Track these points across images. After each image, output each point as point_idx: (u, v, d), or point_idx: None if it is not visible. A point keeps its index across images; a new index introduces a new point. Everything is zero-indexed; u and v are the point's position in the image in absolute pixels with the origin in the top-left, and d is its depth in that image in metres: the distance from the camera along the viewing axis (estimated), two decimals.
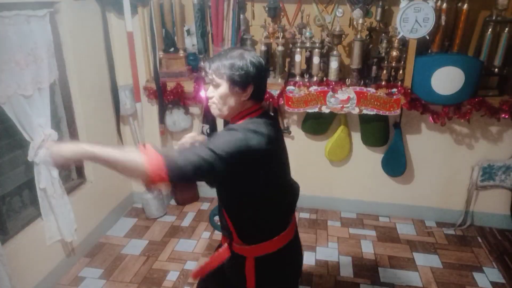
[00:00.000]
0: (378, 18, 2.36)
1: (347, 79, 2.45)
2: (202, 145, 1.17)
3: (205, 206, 3.07)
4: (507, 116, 2.29)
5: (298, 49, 2.42)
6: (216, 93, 1.30)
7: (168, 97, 2.68)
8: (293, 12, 2.54)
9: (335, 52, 2.38)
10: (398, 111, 2.42)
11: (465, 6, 2.19)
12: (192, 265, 2.40)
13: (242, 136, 1.18)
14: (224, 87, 1.27)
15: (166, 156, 1.10)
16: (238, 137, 1.17)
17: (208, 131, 2.85)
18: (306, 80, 2.48)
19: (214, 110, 1.35)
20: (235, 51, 1.28)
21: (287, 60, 2.59)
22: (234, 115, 1.33)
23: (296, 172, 1.55)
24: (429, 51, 2.33)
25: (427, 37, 2.20)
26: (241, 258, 1.37)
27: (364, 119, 2.58)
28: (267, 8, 2.43)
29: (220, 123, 2.87)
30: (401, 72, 2.35)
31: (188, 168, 1.09)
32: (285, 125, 2.78)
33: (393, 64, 2.33)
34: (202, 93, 2.62)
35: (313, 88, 2.44)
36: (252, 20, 2.61)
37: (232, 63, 1.26)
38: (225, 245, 1.43)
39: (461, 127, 2.57)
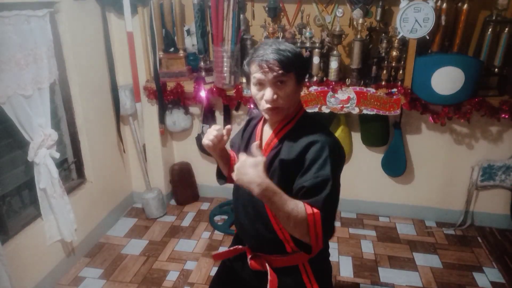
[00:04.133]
0: (378, 18, 2.36)
1: (347, 79, 2.45)
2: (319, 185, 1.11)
3: (205, 206, 3.07)
4: (507, 116, 2.29)
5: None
6: (283, 92, 1.14)
7: (168, 97, 2.68)
8: (293, 12, 2.54)
9: (335, 52, 2.38)
10: (398, 111, 2.42)
11: (465, 6, 2.19)
12: (192, 265, 2.40)
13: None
14: (291, 83, 1.14)
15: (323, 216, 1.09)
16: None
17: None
18: (306, 80, 2.48)
19: (278, 115, 1.18)
20: (277, 42, 1.16)
21: None
22: (290, 116, 1.22)
23: None
24: (429, 51, 2.33)
25: (427, 37, 2.20)
26: (293, 269, 1.29)
27: (364, 119, 2.58)
28: (267, 8, 2.43)
29: (220, 123, 2.87)
30: (401, 72, 2.35)
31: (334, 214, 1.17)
32: None
33: (393, 64, 2.33)
34: (202, 93, 2.62)
35: (313, 88, 2.44)
36: (252, 20, 2.61)
37: (297, 53, 1.15)
38: (269, 270, 1.28)
39: (461, 127, 2.57)
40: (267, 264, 1.30)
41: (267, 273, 1.29)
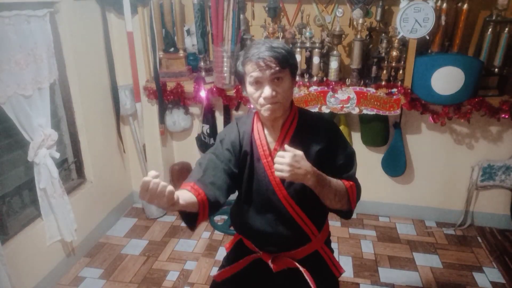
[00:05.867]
0: (378, 18, 2.36)
1: (347, 79, 2.45)
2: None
3: None
4: (507, 116, 2.29)
5: (298, 49, 2.42)
6: (280, 88, 1.16)
7: (168, 97, 2.68)
8: (293, 12, 2.54)
9: (335, 52, 2.38)
10: (398, 111, 2.42)
11: (465, 6, 2.19)
12: (192, 265, 2.40)
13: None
14: (287, 78, 1.17)
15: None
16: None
17: (208, 131, 2.85)
18: (306, 80, 2.48)
19: (278, 111, 1.19)
20: (269, 40, 1.18)
21: None
22: (292, 114, 1.25)
23: None
24: (429, 51, 2.33)
25: (427, 37, 2.21)
26: (314, 254, 1.35)
27: (364, 119, 2.58)
28: (267, 8, 2.43)
29: (220, 123, 2.87)
30: (401, 72, 2.35)
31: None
32: None
33: (393, 64, 2.33)
34: (202, 93, 2.62)
35: (313, 88, 2.44)
36: (252, 20, 2.61)
37: (289, 49, 1.17)
38: (298, 265, 1.30)
39: (461, 127, 2.57)
40: (292, 260, 1.32)
41: (290, 271, 1.32)
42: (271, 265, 1.32)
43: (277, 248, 1.33)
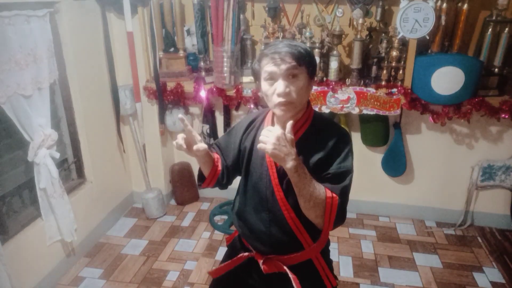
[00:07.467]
0: (378, 18, 2.37)
1: (347, 79, 2.45)
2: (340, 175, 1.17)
3: (205, 206, 3.07)
4: (507, 116, 2.29)
5: None
6: (295, 86, 1.12)
7: (168, 97, 2.68)
8: (293, 12, 2.54)
9: (335, 52, 2.38)
10: (398, 111, 2.42)
11: (465, 6, 2.19)
12: (192, 265, 2.40)
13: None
14: (303, 78, 1.13)
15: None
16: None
17: (208, 131, 2.85)
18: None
19: (290, 111, 1.15)
20: (288, 39, 1.16)
21: None
22: (304, 117, 1.21)
23: None
24: (429, 51, 2.33)
25: (427, 37, 2.21)
26: (307, 263, 1.31)
27: (364, 119, 2.58)
28: (267, 8, 2.43)
29: (220, 123, 2.87)
30: (401, 72, 2.35)
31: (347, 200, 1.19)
32: None
33: (393, 64, 2.34)
34: (202, 93, 2.62)
35: (313, 88, 2.44)
36: (252, 20, 2.61)
37: (308, 49, 1.14)
38: (287, 270, 1.28)
39: (461, 127, 2.57)
40: (282, 265, 1.29)
41: (280, 274, 1.29)
42: (262, 266, 1.31)
43: (269, 249, 1.31)
